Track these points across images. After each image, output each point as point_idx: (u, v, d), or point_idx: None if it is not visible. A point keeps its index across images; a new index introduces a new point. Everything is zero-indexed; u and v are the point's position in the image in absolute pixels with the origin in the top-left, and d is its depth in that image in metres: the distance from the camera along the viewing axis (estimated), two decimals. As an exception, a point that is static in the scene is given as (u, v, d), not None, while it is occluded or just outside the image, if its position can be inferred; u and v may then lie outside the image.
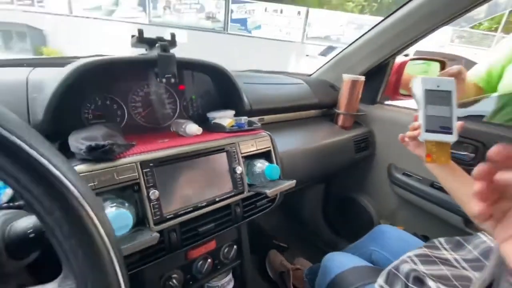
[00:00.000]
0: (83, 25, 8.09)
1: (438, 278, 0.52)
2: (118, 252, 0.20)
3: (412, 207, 0.97)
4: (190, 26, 8.63)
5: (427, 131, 0.50)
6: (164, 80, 0.58)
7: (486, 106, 0.95)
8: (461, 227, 0.81)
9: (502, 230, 0.23)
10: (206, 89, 0.79)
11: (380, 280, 0.58)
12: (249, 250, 0.74)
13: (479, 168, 0.22)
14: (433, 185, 0.88)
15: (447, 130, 0.49)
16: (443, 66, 1.07)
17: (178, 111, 0.74)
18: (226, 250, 0.67)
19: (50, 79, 0.50)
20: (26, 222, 0.29)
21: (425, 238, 0.81)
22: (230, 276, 0.71)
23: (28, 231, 0.28)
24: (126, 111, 0.65)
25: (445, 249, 0.61)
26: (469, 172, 0.80)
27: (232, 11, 8.70)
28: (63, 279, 0.19)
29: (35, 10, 7.88)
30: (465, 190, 0.55)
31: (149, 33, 0.58)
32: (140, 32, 0.56)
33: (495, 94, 0.89)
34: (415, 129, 0.56)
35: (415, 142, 0.60)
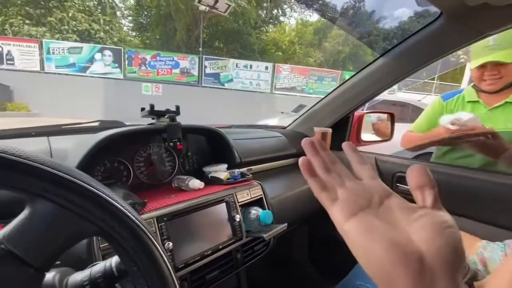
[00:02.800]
0: (54, 82, 8.12)
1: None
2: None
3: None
4: (165, 80, 9.06)
5: None
6: (171, 144, 0.68)
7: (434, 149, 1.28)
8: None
9: (346, 207, 0.23)
10: (199, 146, 0.90)
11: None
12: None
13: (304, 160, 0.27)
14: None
15: None
16: (392, 117, 1.32)
17: (176, 167, 0.83)
18: (227, 298, 0.70)
19: (74, 149, 0.58)
20: (81, 276, 0.35)
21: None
22: (231, 326, 0.73)
23: (84, 283, 0.34)
24: (132, 171, 0.73)
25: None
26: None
27: (205, 67, 9.39)
28: None
29: (4, 67, 7.83)
30: None
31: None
32: (152, 106, 0.68)
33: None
34: None
35: None
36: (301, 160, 0.26)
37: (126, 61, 8.86)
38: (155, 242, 0.28)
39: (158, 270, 0.28)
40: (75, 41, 10.37)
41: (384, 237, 0.20)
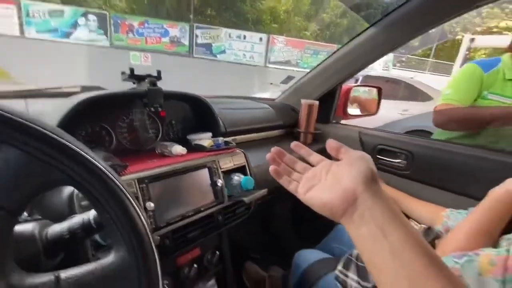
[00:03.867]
0: (36, 48, 7.64)
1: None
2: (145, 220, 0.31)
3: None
4: (155, 50, 8.67)
5: None
6: (152, 109, 0.68)
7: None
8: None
9: (303, 187, 0.35)
10: (184, 114, 0.89)
11: (339, 266, 0.71)
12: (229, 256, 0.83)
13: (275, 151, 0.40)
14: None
15: None
16: (379, 91, 1.33)
17: (160, 135, 0.83)
18: (209, 257, 0.75)
19: (52, 111, 0.57)
20: (60, 227, 0.37)
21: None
22: (213, 281, 0.79)
23: (63, 234, 0.36)
24: (114, 137, 0.73)
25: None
26: (403, 177, 1.01)
27: (197, 36, 8.98)
28: (116, 248, 0.29)
29: (-21, 31, 7.30)
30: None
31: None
32: (132, 70, 0.66)
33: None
34: None
35: None
36: (270, 169, 0.39)
37: (113, 28, 8.37)
38: (126, 193, 0.29)
39: (131, 221, 0.30)
40: (55, 3, 9.62)
41: (325, 193, 0.33)
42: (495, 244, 0.38)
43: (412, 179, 1.00)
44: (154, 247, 0.31)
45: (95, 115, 0.69)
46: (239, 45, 9.32)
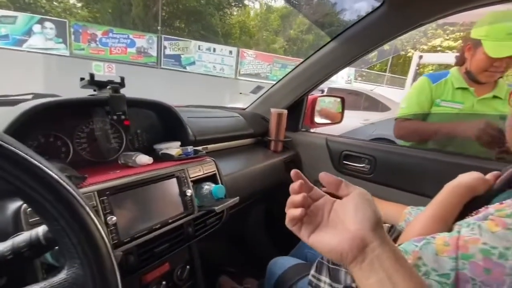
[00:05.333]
0: (-19, 55, 6.91)
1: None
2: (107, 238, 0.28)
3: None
4: (120, 60, 8.33)
5: None
6: (115, 117, 0.64)
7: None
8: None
9: (307, 229, 0.34)
10: (150, 123, 0.86)
11: (312, 271, 0.71)
12: (201, 270, 0.80)
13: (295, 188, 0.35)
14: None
15: None
16: (342, 101, 1.41)
17: (124, 145, 0.79)
18: (179, 272, 0.71)
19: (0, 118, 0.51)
20: (2, 247, 0.32)
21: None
22: (184, 298, 0.74)
23: (6, 254, 0.31)
24: (71, 148, 0.67)
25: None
26: (367, 180, 1.06)
27: (165, 47, 8.84)
28: (70, 264, 0.26)
29: None
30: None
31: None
32: (91, 75, 0.63)
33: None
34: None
35: None
36: (298, 214, 0.34)
37: (73, 36, 7.91)
38: (81, 201, 0.27)
39: (86, 230, 0.27)
40: (7, 8, 8.87)
41: (330, 239, 0.31)
42: (449, 231, 0.42)
43: (375, 182, 1.06)
44: (115, 262, 0.29)
45: (48, 124, 0.63)
46: (209, 57, 9.35)
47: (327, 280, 0.67)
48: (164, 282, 0.66)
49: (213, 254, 1.26)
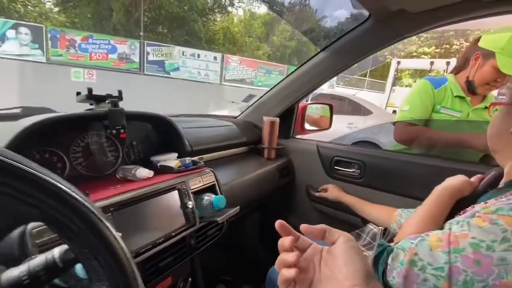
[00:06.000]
0: None
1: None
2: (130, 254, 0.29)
3: (327, 217, 1.22)
4: (101, 66, 8.09)
5: None
6: (114, 131, 0.64)
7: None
8: (360, 224, 1.08)
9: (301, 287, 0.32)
10: (145, 135, 0.85)
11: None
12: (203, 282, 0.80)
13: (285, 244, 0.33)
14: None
15: None
16: (331, 108, 1.46)
17: (120, 158, 0.78)
18: (181, 285, 0.71)
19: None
20: (18, 271, 0.31)
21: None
22: (186, 311, 0.74)
23: (23, 278, 0.31)
24: (67, 163, 0.66)
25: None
26: (357, 184, 1.11)
27: (148, 53, 8.70)
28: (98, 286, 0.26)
29: None
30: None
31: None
32: (90, 90, 0.62)
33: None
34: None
35: None
36: (292, 275, 0.32)
37: (50, 42, 7.61)
38: (106, 223, 0.27)
39: (114, 257, 0.28)
40: (-24, 12, 8.42)
41: None
42: (440, 229, 0.46)
43: (365, 186, 1.11)
44: (139, 279, 0.29)
45: (43, 139, 0.62)
46: (193, 63, 9.29)
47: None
48: (167, 297, 0.66)
49: (211, 263, 1.25)
